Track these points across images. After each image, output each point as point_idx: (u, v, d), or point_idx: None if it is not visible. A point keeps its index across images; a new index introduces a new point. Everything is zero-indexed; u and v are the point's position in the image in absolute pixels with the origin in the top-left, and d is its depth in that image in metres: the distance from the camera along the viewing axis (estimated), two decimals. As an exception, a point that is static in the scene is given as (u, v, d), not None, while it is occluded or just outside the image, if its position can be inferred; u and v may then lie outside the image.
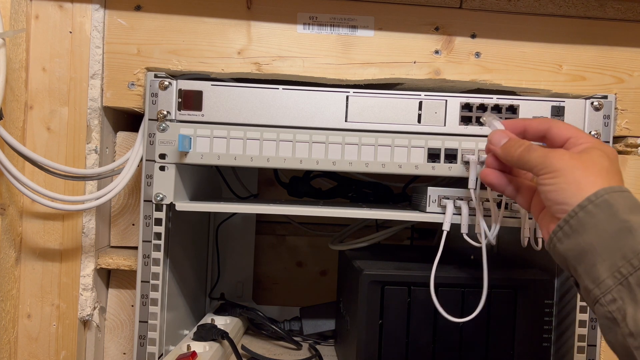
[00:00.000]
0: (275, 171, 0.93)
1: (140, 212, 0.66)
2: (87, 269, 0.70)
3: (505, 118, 0.66)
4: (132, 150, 0.67)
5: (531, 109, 0.67)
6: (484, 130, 0.66)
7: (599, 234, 0.44)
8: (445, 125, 0.67)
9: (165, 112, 0.65)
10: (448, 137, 0.66)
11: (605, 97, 0.68)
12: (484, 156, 0.60)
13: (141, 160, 0.67)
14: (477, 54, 0.70)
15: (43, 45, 0.68)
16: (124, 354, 0.75)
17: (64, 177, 0.67)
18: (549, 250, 0.50)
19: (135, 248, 0.69)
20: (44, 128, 0.68)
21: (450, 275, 0.66)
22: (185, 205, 0.66)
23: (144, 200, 0.66)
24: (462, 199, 0.64)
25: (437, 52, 0.70)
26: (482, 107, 0.66)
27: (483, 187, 0.61)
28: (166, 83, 0.65)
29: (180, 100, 0.66)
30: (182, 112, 0.66)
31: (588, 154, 0.49)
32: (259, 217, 1.02)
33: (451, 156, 0.66)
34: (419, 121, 0.67)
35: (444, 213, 0.64)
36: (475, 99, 0.67)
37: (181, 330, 0.77)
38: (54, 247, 0.69)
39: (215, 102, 0.66)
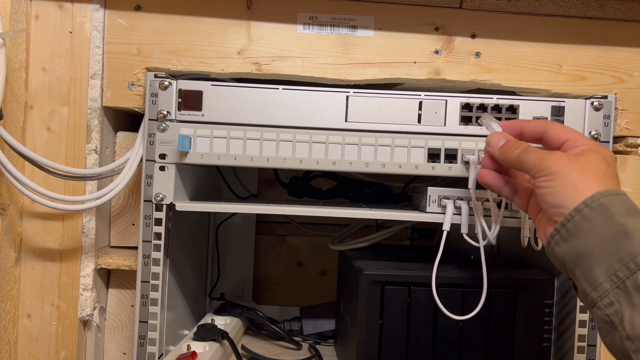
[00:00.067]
0: (275, 171, 0.93)
1: (140, 212, 0.66)
2: (87, 269, 0.70)
3: (506, 118, 0.66)
4: (132, 150, 0.67)
5: (531, 109, 0.67)
6: (484, 130, 0.66)
7: (596, 238, 0.44)
8: (445, 125, 0.67)
9: (165, 112, 0.65)
10: (448, 137, 0.66)
11: (605, 97, 0.68)
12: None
13: (141, 160, 0.67)
14: (477, 54, 0.70)
15: (43, 45, 0.68)
16: (124, 354, 0.75)
17: (64, 177, 0.67)
18: (547, 254, 0.50)
19: (135, 248, 0.69)
20: (44, 128, 0.68)
21: (450, 275, 0.66)
22: (185, 205, 0.66)
23: (144, 200, 0.66)
24: (462, 199, 0.64)
25: (437, 52, 0.70)
26: (482, 107, 0.66)
27: (483, 187, 0.61)
28: (166, 83, 0.65)
29: (180, 100, 0.66)
30: (182, 112, 0.66)
31: (585, 156, 0.49)
32: (259, 217, 1.02)
33: (451, 156, 0.66)
34: (419, 121, 0.67)
35: (444, 213, 0.64)
36: (475, 99, 0.67)
37: (181, 330, 0.77)
38: (54, 247, 0.69)
39: (215, 102, 0.66)
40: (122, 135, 0.74)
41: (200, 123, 0.66)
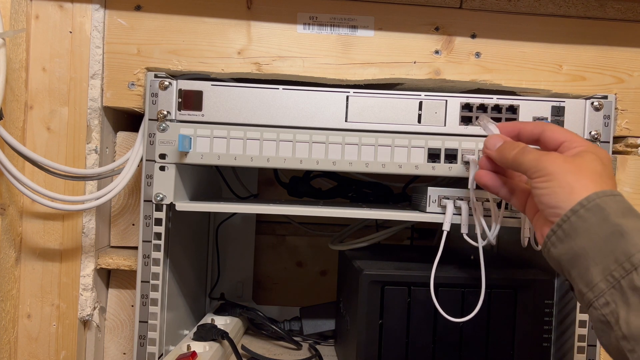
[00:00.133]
0: (275, 171, 0.93)
1: (140, 212, 0.66)
2: (87, 269, 0.70)
3: (506, 118, 0.66)
4: (132, 150, 0.67)
5: (531, 109, 0.67)
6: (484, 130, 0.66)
7: (592, 238, 0.45)
8: (445, 125, 0.67)
9: (165, 112, 0.65)
10: (448, 137, 0.66)
11: (605, 97, 0.68)
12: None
13: (141, 160, 0.67)
14: (477, 54, 0.70)
15: (43, 45, 0.68)
16: (124, 354, 0.75)
17: (64, 177, 0.67)
18: (544, 255, 0.50)
19: (135, 248, 0.69)
20: (44, 128, 0.68)
21: (450, 275, 0.66)
22: (185, 205, 0.66)
23: (144, 200, 0.66)
24: (462, 199, 0.64)
25: (437, 52, 0.70)
26: (482, 107, 0.66)
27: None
28: (166, 83, 0.65)
29: (180, 100, 0.66)
30: (182, 112, 0.66)
31: (581, 157, 0.49)
32: (259, 217, 1.02)
33: (451, 156, 0.66)
34: (419, 121, 0.67)
35: (444, 213, 0.64)
36: (475, 99, 0.67)
37: (181, 330, 0.77)
38: (54, 247, 0.69)
39: (215, 102, 0.66)
40: (122, 135, 0.74)
41: (200, 123, 0.66)
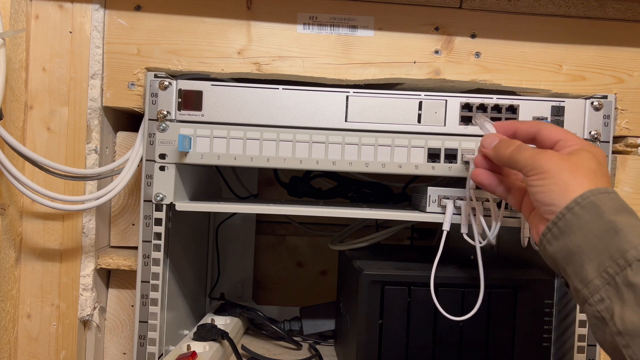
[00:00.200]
0: (275, 171, 0.93)
1: (140, 212, 0.66)
2: (87, 269, 0.70)
3: (506, 118, 0.66)
4: (132, 150, 0.67)
5: (531, 109, 0.67)
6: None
7: (586, 235, 0.45)
8: (445, 125, 0.67)
9: (165, 112, 0.65)
10: (448, 137, 0.66)
11: (605, 97, 0.68)
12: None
13: (141, 160, 0.67)
14: (477, 54, 0.70)
15: (43, 45, 0.68)
16: (124, 354, 0.75)
17: (64, 177, 0.67)
18: (540, 252, 0.51)
19: (135, 248, 0.69)
20: (44, 128, 0.68)
21: (450, 275, 0.66)
22: (185, 205, 0.66)
23: (144, 200, 0.66)
24: (462, 199, 0.64)
25: (437, 52, 0.70)
26: (482, 107, 0.66)
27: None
28: (166, 83, 0.65)
29: (180, 100, 0.66)
30: (182, 112, 0.66)
31: (576, 155, 0.49)
32: (259, 217, 1.02)
33: (451, 156, 0.66)
34: (419, 121, 0.67)
35: (444, 213, 0.64)
36: (475, 99, 0.67)
37: (181, 330, 0.77)
38: (54, 247, 0.69)
39: (215, 102, 0.66)
40: (122, 135, 0.74)
41: (200, 123, 0.66)
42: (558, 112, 0.67)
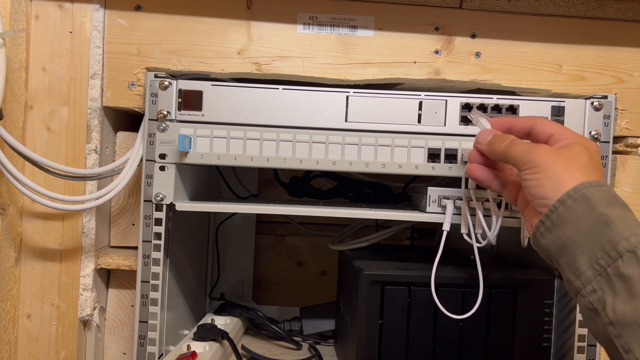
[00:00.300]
0: (275, 171, 0.93)
1: (140, 212, 0.66)
2: (87, 269, 0.70)
3: (505, 118, 0.66)
4: (132, 150, 0.67)
5: (531, 109, 0.67)
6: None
7: (578, 228, 0.46)
8: (445, 125, 0.67)
9: (165, 112, 0.65)
10: (448, 137, 0.66)
11: (605, 97, 0.68)
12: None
13: (141, 160, 0.67)
14: (477, 54, 0.70)
15: (43, 45, 0.68)
16: (124, 354, 0.75)
17: (64, 177, 0.67)
18: (534, 245, 0.51)
19: (135, 248, 0.69)
20: (44, 128, 0.68)
21: (450, 275, 0.66)
22: (185, 205, 0.66)
23: (144, 200, 0.66)
24: (462, 199, 0.64)
25: (437, 52, 0.70)
26: (482, 107, 0.66)
27: (483, 187, 0.61)
28: (166, 83, 0.65)
29: (180, 100, 0.66)
30: (182, 112, 0.66)
31: (569, 149, 0.50)
32: (259, 217, 1.02)
33: (451, 156, 0.66)
34: (419, 121, 0.67)
35: (444, 213, 0.64)
36: (475, 99, 0.67)
37: (181, 330, 0.77)
38: (54, 247, 0.69)
39: (215, 102, 0.66)
40: (122, 135, 0.74)
41: (200, 123, 0.66)
42: (558, 112, 0.67)
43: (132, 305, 0.74)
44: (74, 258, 0.70)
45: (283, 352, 0.82)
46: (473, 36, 0.70)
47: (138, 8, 0.68)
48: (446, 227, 0.63)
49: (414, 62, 0.70)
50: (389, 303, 0.66)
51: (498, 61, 0.70)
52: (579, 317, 0.67)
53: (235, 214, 0.96)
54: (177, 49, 0.68)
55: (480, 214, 0.62)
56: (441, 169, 0.66)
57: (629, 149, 0.70)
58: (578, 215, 0.46)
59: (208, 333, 0.73)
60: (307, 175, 0.91)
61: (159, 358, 0.67)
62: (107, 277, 0.75)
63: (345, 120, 0.66)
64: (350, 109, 0.66)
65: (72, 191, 0.69)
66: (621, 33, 0.70)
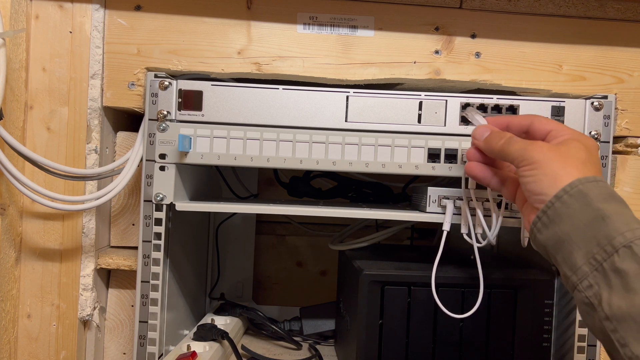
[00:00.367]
0: (275, 171, 0.93)
1: (140, 212, 0.66)
2: (87, 269, 0.70)
3: (505, 118, 0.66)
4: (132, 150, 0.67)
5: (531, 109, 0.67)
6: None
7: (575, 223, 0.46)
8: (445, 125, 0.67)
9: (165, 112, 0.65)
10: (448, 137, 0.66)
11: (605, 97, 0.68)
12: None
13: (141, 160, 0.67)
14: (477, 54, 0.70)
15: (43, 45, 0.68)
16: (124, 354, 0.75)
17: (64, 177, 0.67)
18: (531, 241, 0.52)
19: (135, 248, 0.69)
20: (44, 128, 0.68)
21: (450, 275, 0.66)
22: (185, 205, 0.66)
23: (144, 200, 0.66)
24: (462, 199, 0.64)
25: (437, 52, 0.70)
26: (482, 107, 0.66)
27: (482, 187, 0.61)
28: (166, 83, 0.65)
29: (180, 100, 0.66)
30: (182, 112, 0.66)
31: (566, 145, 0.50)
32: (259, 217, 1.02)
33: (451, 156, 0.66)
34: (419, 121, 0.67)
35: (444, 213, 0.64)
36: (475, 99, 0.67)
37: (181, 330, 0.77)
38: (54, 247, 0.69)
39: (215, 102, 0.66)
40: (122, 135, 0.74)
41: (200, 123, 0.66)
42: (558, 112, 0.67)
43: (132, 305, 0.74)
44: (74, 258, 0.70)
45: (283, 352, 0.82)
46: (473, 36, 0.70)
47: (138, 8, 0.68)
48: (446, 227, 0.63)
49: (414, 62, 0.70)
50: (389, 303, 0.66)
51: (498, 61, 0.70)
52: (579, 317, 0.67)
53: (235, 214, 0.96)
54: (177, 49, 0.68)
55: (480, 214, 0.62)
56: (441, 169, 0.66)
57: (629, 149, 0.70)
58: (574, 210, 0.46)
59: (208, 333, 0.73)
60: (307, 175, 0.91)
61: (159, 358, 0.67)
62: (107, 277, 0.75)
63: (345, 120, 0.66)
64: (350, 109, 0.66)
65: (72, 191, 0.69)
66: (621, 33, 0.70)
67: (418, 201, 0.71)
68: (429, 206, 0.65)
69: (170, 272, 0.70)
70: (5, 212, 0.65)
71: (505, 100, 0.67)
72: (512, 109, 0.67)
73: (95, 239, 0.70)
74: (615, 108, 0.69)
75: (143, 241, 0.66)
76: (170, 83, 0.65)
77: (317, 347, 0.84)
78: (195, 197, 0.75)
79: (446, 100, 0.66)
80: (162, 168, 0.65)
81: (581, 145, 0.50)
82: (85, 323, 0.71)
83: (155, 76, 0.66)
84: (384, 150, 0.66)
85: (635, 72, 0.70)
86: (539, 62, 0.70)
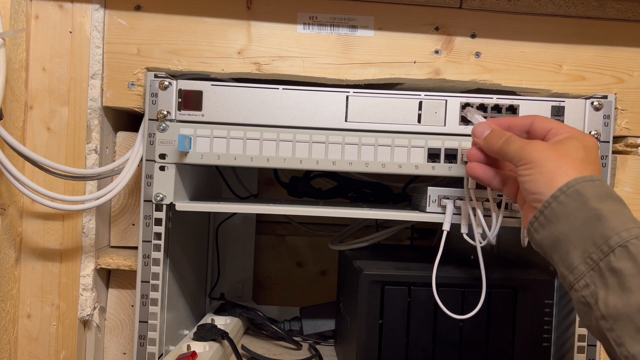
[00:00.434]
0: (275, 171, 0.93)
1: (140, 212, 0.66)
2: (87, 269, 0.70)
3: (505, 118, 0.66)
4: (132, 150, 0.67)
5: (531, 109, 0.67)
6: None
7: (571, 223, 0.46)
8: (445, 125, 0.67)
9: (165, 112, 0.65)
10: (448, 137, 0.66)
11: (605, 97, 0.68)
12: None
13: (141, 160, 0.67)
14: (477, 54, 0.70)
15: (43, 45, 0.68)
16: (124, 354, 0.75)
17: (64, 177, 0.67)
18: (530, 240, 0.52)
19: (135, 248, 0.69)
20: (44, 128, 0.68)
21: (450, 275, 0.66)
22: (185, 205, 0.66)
23: (144, 200, 0.66)
24: (462, 199, 0.64)
25: (437, 52, 0.70)
26: (482, 107, 0.66)
27: (482, 187, 0.61)
28: (166, 83, 0.65)
29: (180, 100, 0.66)
30: (182, 112, 0.66)
31: (564, 144, 0.50)
32: (259, 217, 1.02)
33: (451, 156, 0.66)
34: (419, 121, 0.67)
35: (444, 213, 0.64)
36: (475, 99, 0.67)
37: (181, 330, 0.77)
38: (54, 247, 0.69)
39: (215, 102, 0.66)
40: (122, 135, 0.74)
41: (200, 123, 0.66)
42: (558, 112, 0.67)
43: (132, 305, 0.74)
44: (74, 258, 0.70)
45: (283, 352, 0.82)
46: (473, 36, 0.70)
47: (138, 8, 0.68)
48: (446, 227, 0.63)
49: (414, 62, 0.70)
50: (389, 303, 0.66)
51: (498, 61, 0.70)
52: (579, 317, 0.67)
53: (235, 214, 0.96)
54: (177, 49, 0.68)
55: (480, 214, 0.62)
56: (441, 169, 0.66)
57: (629, 149, 0.70)
58: (571, 210, 0.46)
59: (208, 333, 0.73)
60: (307, 175, 0.91)
61: (159, 358, 0.67)
62: (107, 277, 0.75)
63: (345, 120, 0.66)
64: (350, 109, 0.66)
65: (72, 191, 0.69)
66: (621, 33, 0.70)
67: (418, 201, 0.71)
68: (429, 206, 0.65)
69: (170, 272, 0.70)
70: (5, 212, 0.65)
71: (505, 100, 0.67)
72: (512, 109, 0.67)
73: (95, 239, 0.70)
74: (615, 108, 0.69)
75: (143, 241, 0.66)
76: (170, 83, 0.65)
77: (317, 347, 0.84)
78: (195, 197, 0.75)
79: (446, 100, 0.66)
80: (162, 168, 0.65)
81: (579, 144, 0.50)
82: (85, 323, 0.71)
83: (155, 76, 0.66)
84: (383, 150, 0.66)
85: (635, 72, 0.70)
86: (539, 62, 0.70)
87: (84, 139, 0.69)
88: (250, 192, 0.97)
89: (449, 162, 0.66)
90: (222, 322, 0.82)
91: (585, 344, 0.67)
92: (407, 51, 0.70)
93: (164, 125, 0.65)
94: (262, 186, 1.03)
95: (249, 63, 0.69)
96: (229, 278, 0.98)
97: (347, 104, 0.66)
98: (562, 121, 0.67)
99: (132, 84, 0.68)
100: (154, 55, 0.68)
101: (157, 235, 0.66)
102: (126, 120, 0.77)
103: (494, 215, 0.62)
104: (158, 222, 0.66)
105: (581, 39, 0.70)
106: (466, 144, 0.66)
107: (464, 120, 0.66)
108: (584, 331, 0.67)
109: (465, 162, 0.65)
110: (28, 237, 0.69)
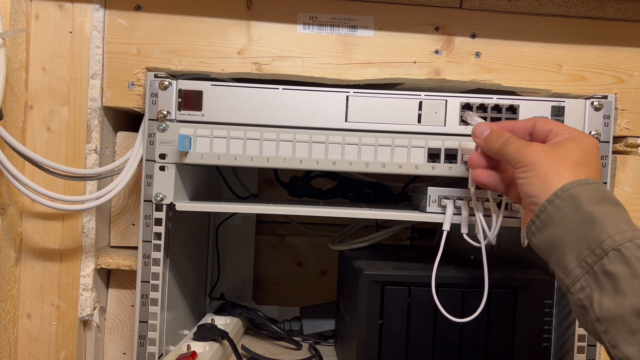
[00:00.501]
0: (275, 171, 0.93)
1: (140, 212, 0.66)
2: (87, 269, 0.70)
3: (506, 118, 0.66)
4: (132, 150, 0.67)
5: (531, 109, 0.67)
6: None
7: (566, 227, 0.47)
8: (445, 125, 0.67)
9: (165, 112, 0.65)
10: (448, 137, 0.66)
11: (605, 97, 0.68)
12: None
13: (141, 160, 0.67)
14: (477, 54, 0.70)
15: (43, 45, 0.68)
16: (124, 354, 0.75)
17: (64, 177, 0.67)
18: (529, 243, 0.52)
19: (135, 248, 0.69)
20: (44, 128, 0.68)
21: (451, 275, 0.66)
22: (185, 205, 0.66)
23: (144, 200, 0.66)
24: (462, 199, 0.64)
25: (437, 52, 0.70)
26: (482, 107, 0.66)
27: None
28: (166, 83, 0.65)
29: (180, 100, 0.66)
30: (182, 112, 0.66)
31: (562, 146, 0.50)
32: (259, 217, 1.02)
33: (451, 156, 0.66)
34: (419, 121, 0.67)
35: (444, 213, 0.64)
36: (475, 99, 0.67)
37: (181, 330, 0.77)
38: (54, 247, 0.69)
39: (215, 102, 0.66)
40: (122, 135, 0.74)
41: (200, 123, 0.66)
42: (558, 112, 0.67)
43: (132, 305, 0.74)
44: (74, 258, 0.70)
45: (283, 352, 0.82)
46: (473, 36, 0.70)
47: (138, 8, 0.68)
48: (446, 227, 0.63)
49: (414, 62, 0.70)
50: (389, 303, 0.66)
51: (498, 61, 0.70)
52: (579, 317, 0.67)
53: (235, 214, 0.96)
54: (177, 49, 0.68)
55: (480, 214, 0.62)
56: (441, 169, 0.66)
57: (629, 149, 0.70)
58: (566, 214, 0.47)
59: (208, 333, 0.73)
60: (307, 175, 0.91)
61: (159, 358, 0.67)
62: (107, 277, 0.75)
63: (345, 120, 0.66)
64: (350, 109, 0.66)
65: (72, 191, 0.69)
66: (621, 33, 0.70)
67: (418, 201, 0.71)
68: (429, 206, 0.65)
69: (170, 272, 0.70)
70: (5, 212, 0.65)
71: (505, 100, 0.67)
72: (512, 109, 0.67)
73: (95, 239, 0.70)
74: (615, 108, 0.69)
75: (143, 241, 0.66)
76: (170, 83, 0.65)
77: (317, 347, 0.84)
78: (195, 197, 0.75)
79: (446, 100, 0.66)
80: (162, 168, 0.65)
81: (577, 146, 0.50)
82: (85, 323, 0.71)
83: (155, 76, 0.66)
84: (384, 150, 0.66)
85: (635, 72, 0.70)
86: (539, 62, 0.70)
87: (84, 139, 0.69)
88: (250, 192, 0.97)
89: (449, 162, 0.66)
90: (222, 322, 0.82)
91: (585, 344, 0.67)
92: (407, 51, 0.70)
93: (164, 125, 0.65)
94: (262, 186, 1.03)
95: (249, 63, 0.69)
96: (229, 278, 0.98)
97: (347, 104, 0.66)
98: (562, 121, 0.67)
99: (132, 84, 0.68)
100: (154, 55, 0.68)
101: (157, 235, 0.66)
102: (126, 120, 0.77)
103: (493, 215, 0.62)
104: (158, 222, 0.66)
105: (581, 39, 0.70)
106: (466, 144, 0.66)
107: (464, 120, 0.66)
108: (583, 331, 0.67)
109: (466, 163, 0.65)
110: (28, 237, 0.69)
